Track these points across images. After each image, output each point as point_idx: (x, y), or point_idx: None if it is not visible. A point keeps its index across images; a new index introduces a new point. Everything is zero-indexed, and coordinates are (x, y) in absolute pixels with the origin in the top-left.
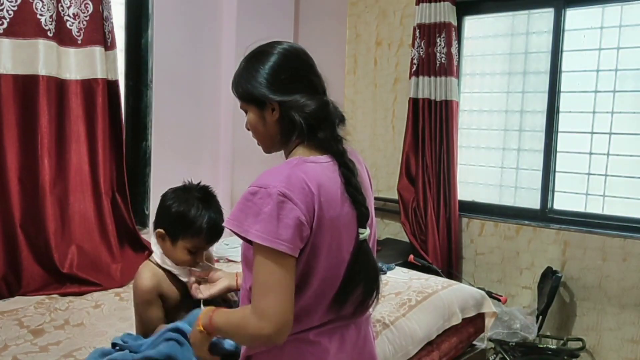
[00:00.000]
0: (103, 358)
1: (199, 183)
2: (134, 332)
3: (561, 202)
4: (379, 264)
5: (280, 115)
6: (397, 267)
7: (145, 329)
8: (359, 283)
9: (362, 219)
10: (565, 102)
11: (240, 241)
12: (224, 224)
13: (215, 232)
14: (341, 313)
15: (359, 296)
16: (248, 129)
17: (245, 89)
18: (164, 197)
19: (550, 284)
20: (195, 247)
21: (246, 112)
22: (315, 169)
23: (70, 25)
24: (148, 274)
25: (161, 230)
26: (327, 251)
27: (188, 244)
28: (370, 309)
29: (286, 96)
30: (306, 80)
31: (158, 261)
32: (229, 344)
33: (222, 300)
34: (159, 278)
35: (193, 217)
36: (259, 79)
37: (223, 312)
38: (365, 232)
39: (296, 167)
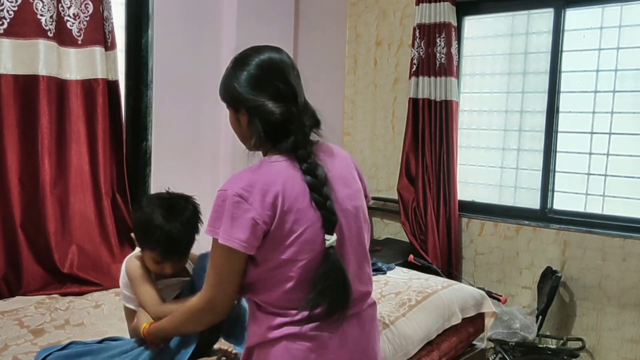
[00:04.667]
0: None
1: (177, 193)
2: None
3: (561, 202)
4: (369, 266)
5: (248, 120)
6: (397, 267)
7: (145, 308)
8: (325, 290)
9: (329, 225)
10: (565, 102)
11: None
12: (205, 232)
13: (172, 247)
14: (315, 313)
15: (327, 302)
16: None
17: (223, 91)
18: (138, 203)
19: (550, 283)
20: (156, 259)
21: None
22: (277, 167)
23: (70, 26)
24: (133, 258)
25: (132, 234)
26: (301, 242)
27: (151, 255)
28: (350, 310)
29: (253, 102)
30: (274, 88)
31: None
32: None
33: None
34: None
35: (153, 228)
36: (234, 84)
37: (164, 321)
38: (331, 239)
39: (258, 169)
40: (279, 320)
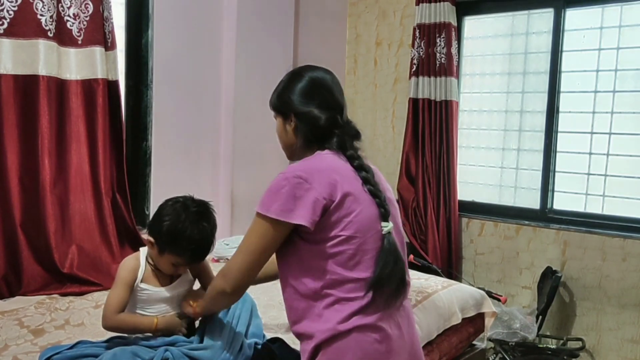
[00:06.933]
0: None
1: (199, 200)
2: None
3: (561, 202)
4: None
5: (295, 126)
6: None
7: (106, 306)
8: (387, 269)
9: (384, 212)
10: (565, 102)
11: (240, 241)
12: (256, 210)
13: (199, 254)
14: (380, 293)
15: (388, 288)
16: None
17: (275, 100)
18: (161, 209)
19: (550, 283)
20: (179, 263)
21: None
22: (331, 157)
23: (70, 26)
24: (133, 259)
25: (151, 238)
26: (360, 221)
27: (172, 259)
28: (403, 299)
29: (302, 109)
30: (322, 99)
31: (146, 254)
32: None
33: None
34: (143, 266)
35: (182, 237)
36: (288, 94)
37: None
38: (388, 226)
39: (314, 157)
40: (347, 309)
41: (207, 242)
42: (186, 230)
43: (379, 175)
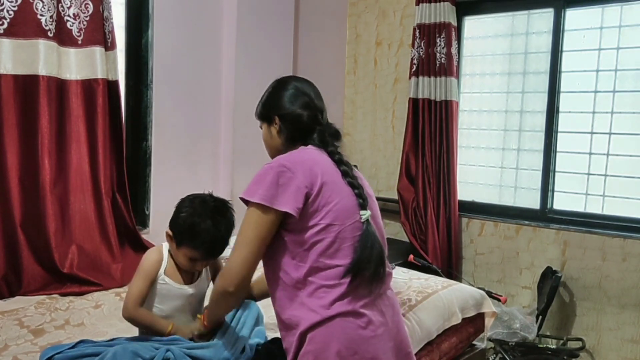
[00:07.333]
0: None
1: (218, 197)
2: (135, 332)
3: (561, 202)
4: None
5: (279, 127)
6: (397, 267)
7: (127, 296)
8: (365, 254)
9: (362, 204)
10: (565, 102)
11: None
12: (240, 196)
13: (214, 249)
14: (359, 286)
15: (367, 272)
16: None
17: (261, 108)
18: (181, 203)
19: (550, 284)
20: (195, 257)
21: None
22: (313, 151)
23: (70, 26)
24: (156, 252)
25: (170, 232)
26: (338, 210)
27: (188, 253)
28: (383, 285)
29: (286, 110)
30: (304, 102)
31: (168, 248)
32: None
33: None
34: (165, 259)
35: (198, 231)
36: (275, 99)
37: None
38: (366, 214)
39: (297, 151)
40: (330, 296)
41: (222, 236)
42: (202, 223)
43: (358, 173)
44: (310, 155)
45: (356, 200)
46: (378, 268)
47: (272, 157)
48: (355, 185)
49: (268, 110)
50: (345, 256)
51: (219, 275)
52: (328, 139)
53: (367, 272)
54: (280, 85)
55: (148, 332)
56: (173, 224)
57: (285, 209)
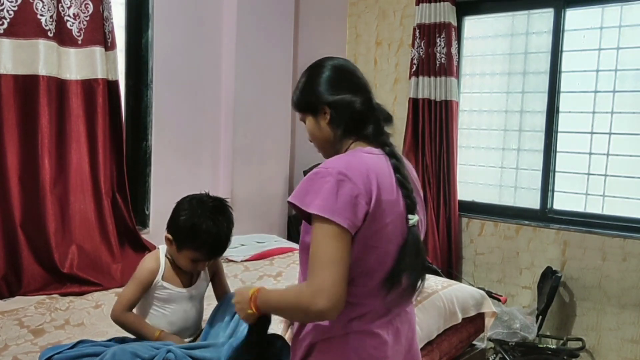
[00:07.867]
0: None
1: (215, 196)
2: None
3: (561, 202)
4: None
5: (330, 117)
6: None
7: (118, 300)
8: (406, 269)
9: (411, 207)
10: (565, 102)
11: (242, 242)
12: (288, 199)
13: (217, 249)
14: (388, 299)
15: (406, 282)
16: (311, 141)
17: (300, 99)
18: (179, 205)
19: (550, 283)
20: (197, 258)
21: (305, 123)
22: (371, 158)
23: (70, 26)
24: (153, 260)
25: (169, 235)
26: (386, 233)
27: (191, 255)
28: (413, 299)
29: (334, 98)
30: (350, 83)
31: (165, 252)
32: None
33: None
34: (163, 265)
35: (200, 232)
36: (314, 87)
37: (274, 291)
38: (414, 218)
39: (355, 154)
40: (350, 313)
41: (224, 235)
42: (203, 223)
43: (409, 167)
44: (365, 159)
45: (404, 202)
46: (417, 280)
47: (323, 149)
48: (403, 184)
49: (310, 99)
50: (379, 276)
51: (302, 295)
52: (383, 128)
53: (406, 282)
54: (316, 69)
55: (136, 336)
56: (172, 227)
57: (349, 228)
